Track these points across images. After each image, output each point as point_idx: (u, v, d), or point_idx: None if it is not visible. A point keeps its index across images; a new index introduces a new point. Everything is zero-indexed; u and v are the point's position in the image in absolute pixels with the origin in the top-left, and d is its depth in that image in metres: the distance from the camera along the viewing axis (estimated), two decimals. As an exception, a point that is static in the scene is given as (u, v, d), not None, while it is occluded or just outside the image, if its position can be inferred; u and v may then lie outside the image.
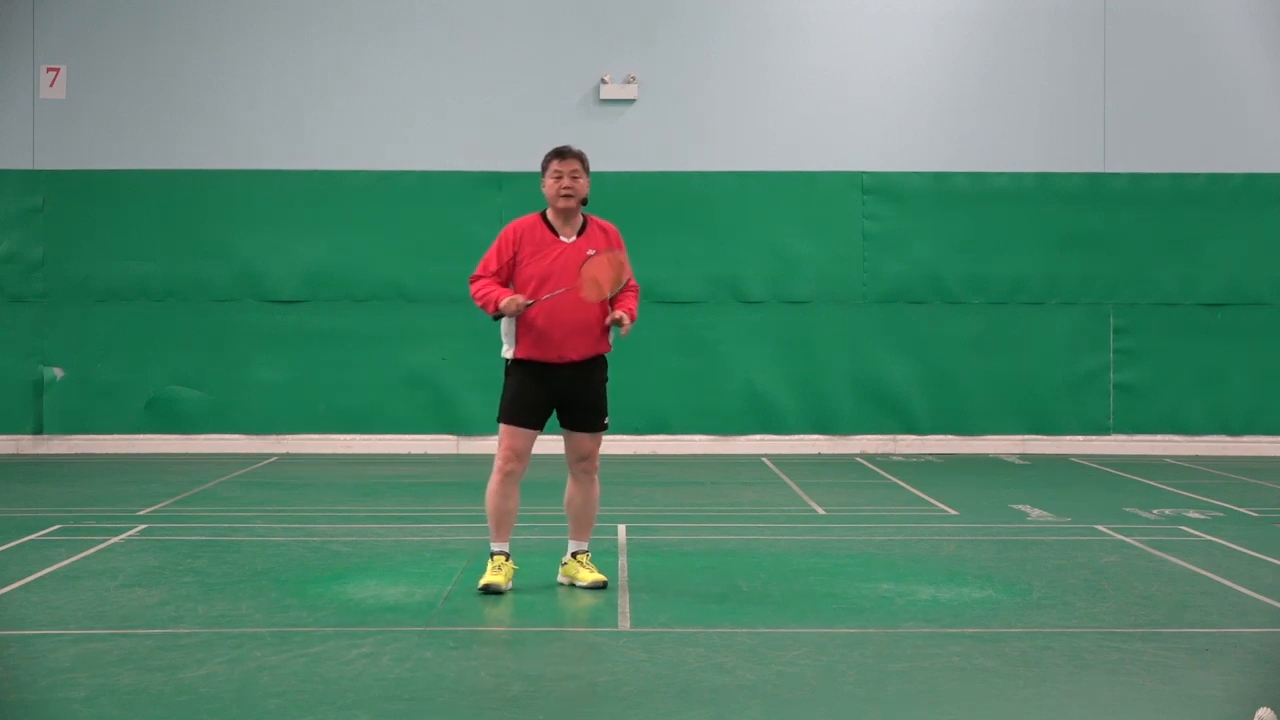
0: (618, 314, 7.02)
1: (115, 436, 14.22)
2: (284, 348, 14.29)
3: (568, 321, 6.99)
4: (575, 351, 7.03)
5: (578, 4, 14.55)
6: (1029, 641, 6.17)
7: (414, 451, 14.26)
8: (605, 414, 7.21)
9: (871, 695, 5.35)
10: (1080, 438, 14.44)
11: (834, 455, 14.18)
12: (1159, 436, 14.46)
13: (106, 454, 14.05)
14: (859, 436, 14.41)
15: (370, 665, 5.72)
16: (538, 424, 7.11)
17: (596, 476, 7.27)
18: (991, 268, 14.46)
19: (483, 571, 7.30)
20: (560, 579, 7.36)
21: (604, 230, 7.19)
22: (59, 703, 5.19)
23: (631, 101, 14.46)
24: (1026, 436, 14.46)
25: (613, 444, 14.17)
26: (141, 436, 14.23)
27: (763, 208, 14.43)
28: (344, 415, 14.32)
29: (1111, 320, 14.47)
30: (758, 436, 14.40)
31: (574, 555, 7.32)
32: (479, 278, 7.12)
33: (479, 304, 7.07)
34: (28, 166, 14.28)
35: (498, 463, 7.14)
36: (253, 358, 14.29)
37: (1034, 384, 14.46)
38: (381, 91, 14.46)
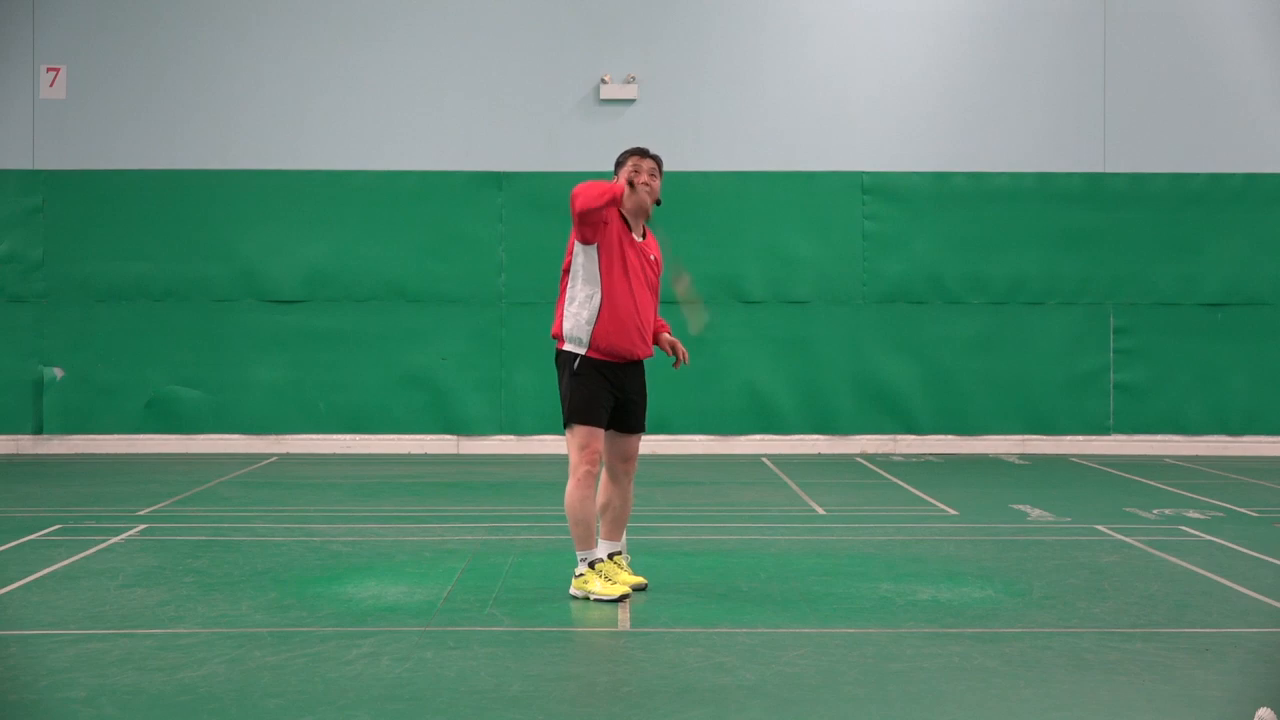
0: (673, 340, 7.25)
1: (115, 436, 14.22)
2: (284, 348, 14.29)
3: (643, 321, 7.08)
4: (644, 348, 7.10)
5: (578, 4, 14.55)
6: (1029, 641, 6.17)
7: (414, 451, 14.25)
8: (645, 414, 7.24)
9: (871, 695, 5.35)
10: (1080, 438, 14.44)
11: (834, 455, 14.18)
12: (1159, 436, 14.46)
13: (106, 454, 14.05)
14: (859, 436, 14.41)
15: (370, 665, 5.72)
16: (607, 424, 7.04)
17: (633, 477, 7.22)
18: (991, 268, 14.46)
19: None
20: (574, 592, 7.20)
21: (655, 236, 7.31)
22: (59, 703, 5.19)
23: (631, 101, 14.46)
24: (1026, 436, 14.46)
25: (613, 444, 14.19)
26: (141, 436, 14.23)
27: (763, 208, 14.43)
28: (344, 415, 14.32)
29: (1111, 320, 14.48)
30: (758, 436, 14.41)
31: (610, 556, 7.16)
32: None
33: (591, 196, 6.69)
34: (28, 166, 14.29)
35: (581, 468, 6.91)
36: (253, 358, 14.28)
37: (1034, 384, 14.46)
38: (381, 91, 14.46)
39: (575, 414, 6.93)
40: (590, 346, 6.96)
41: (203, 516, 9.86)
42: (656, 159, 7.16)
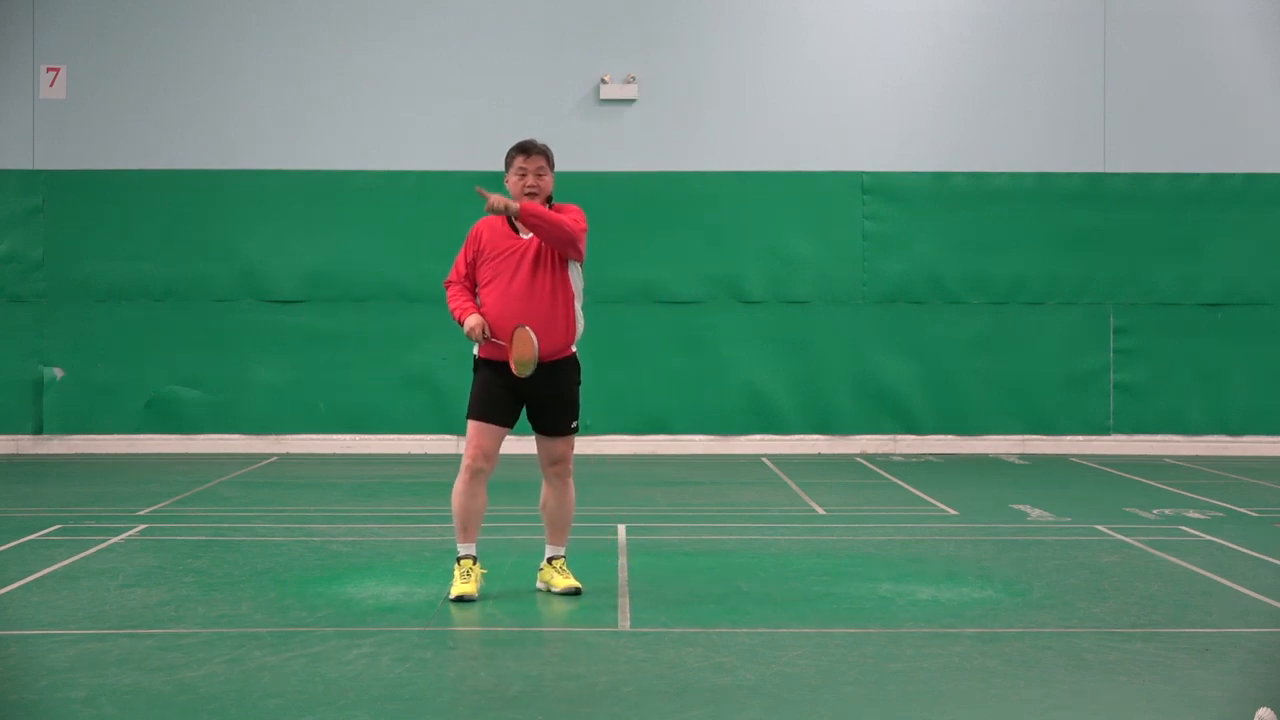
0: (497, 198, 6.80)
1: (115, 436, 14.22)
2: (284, 348, 14.29)
3: (526, 317, 6.83)
4: (539, 346, 6.85)
5: (578, 4, 14.55)
6: (1029, 641, 6.17)
7: (414, 451, 14.25)
8: (575, 417, 7.04)
9: (871, 695, 5.35)
10: (1080, 438, 14.43)
11: (834, 455, 14.18)
12: (1159, 436, 14.46)
13: (106, 454, 14.05)
14: (859, 436, 14.41)
15: (370, 665, 5.72)
16: (506, 421, 6.97)
17: (570, 480, 7.12)
18: (991, 268, 14.46)
19: (452, 578, 7.12)
20: (538, 584, 7.26)
21: (561, 212, 6.96)
22: (59, 703, 5.19)
23: (631, 101, 14.46)
24: (1026, 436, 14.46)
25: (613, 444, 14.19)
26: (141, 436, 14.23)
27: (763, 208, 14.43)
28: (344, 415, 14.32)
29: (1111, 320, 14.48)
30: (758, 436, 14.40)
31: (549, 561, 7.20)
32: (451, 283, 7.09)
33: (450, 306, 7.06)
34: (28, 166, 14.29)
35: (465, 461, 6.98)
36: (253, 358, 14.28)
37: (1034, 384, 14.46)
38: (381, 91, 14.46)
39: (469, 409, 7.01)
40: (481, 348, 6.98)
41: (203, 516, 9.86)
42: (545, 152, 6.95)
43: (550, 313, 6.89)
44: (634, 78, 14.43)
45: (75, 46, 14.34)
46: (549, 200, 7.00)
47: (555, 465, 7.06)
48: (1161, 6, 14.56)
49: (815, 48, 14.56)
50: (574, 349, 7.06)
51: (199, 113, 14.41)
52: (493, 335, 6.90)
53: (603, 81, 14.42)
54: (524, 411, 7.08)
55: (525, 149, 6.96)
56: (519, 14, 14.52)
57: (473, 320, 6.87)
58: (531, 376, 6.85)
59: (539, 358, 6.78)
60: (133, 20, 14.40)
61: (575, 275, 7.01)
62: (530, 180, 6.91)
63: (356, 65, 14.48)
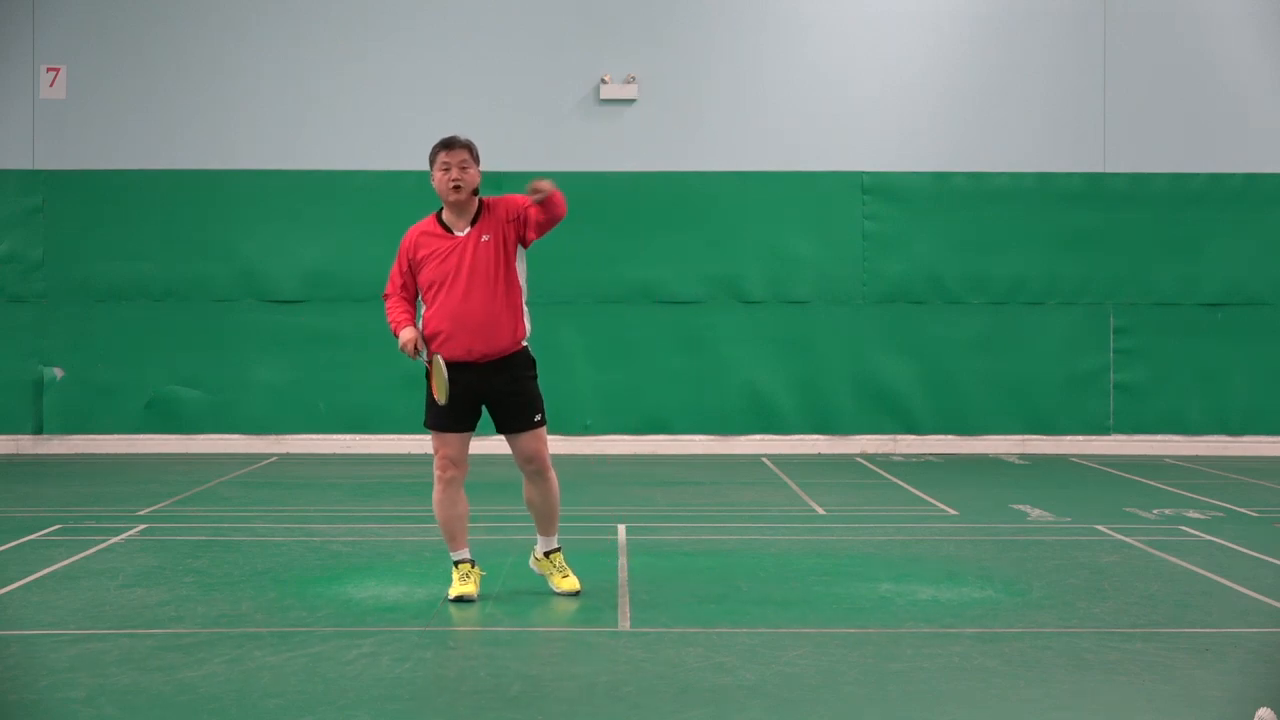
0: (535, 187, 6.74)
1: (115, 436, 14.22)
2: (284, 348, 14.29)
3: (468, 318, 6.79)
4: (483, 346, 6.81)
5: (578, 4, 14.55)
6: (1029, 641, 6.17)
7: (414, 451, 14.24)
8: (537, 410, 6.94)
9: (871, 695, 5.35)
10: (1080, 438, 14.43)
11: (834, 455, 14.18)
12: (1159, 436, 14.46)
13: (106, 454, 14.05)
14: (859, 436, 14.41)
15: (370, 665, 5.72)
16: (465, 426, 6.92)
17: (550, 474, 7.02)
18: (991, 268, 14.46)
19: (451, 581, 7.08)
20: (532, 566, 7.26)
21: (493, 207, 6.94)
22: (59, 703, 5.19)
23: (631, 101, 14.46)
24: (1026, 436, 14.46)
25: (613, 444, 14.19)
26: (141, 436, 14.23)
27: (763, 208, 14.43)
28: (344, 415, 14.32)
29: (1111, 320, 14.48)
30: (758, 436, 14.40)
31: (547, 554, 7.16)
32: (388, 295, 7.00)
33: (389, 318, 6.97)
34: (28, 166, 14.29)
35: (436, 472, 6.95)
36: (253, 358, 14.28)
37: (1034, 384, 14.46)
38: (382, 91, 14.46)
39: (426, 418, 7.00)
40: (430, 349, 6.90)
41: (203, 516, 9.86)
42: (468, 146, 6.94)
43: (498, 307, 6.81)
44: (634, 78, 14.43)
45: (75, 46, 14.34)
46: (476, 192, 6.93)
47: (530, 463, 6.97)
48: (1161, 6, 14.56)
49: (815, 48, 14.56)
50: (525, 343, 6.96)
51: (199, 113, 14.41)
52: (427, 348, 6.86)
53: (603, 81, 14.42)
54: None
55: (448, 144, 6.90)
56: (519, 14, 14.52)
57: (406, 335, 6.86)
58: (484, 376, 6.83)
59: (484, 358, 6.80)
60: (133, 20, 14.40)
61: (521, 269, 6.95)
62: (454, 174, 6.84)
63: (356, 65, 14.48)
